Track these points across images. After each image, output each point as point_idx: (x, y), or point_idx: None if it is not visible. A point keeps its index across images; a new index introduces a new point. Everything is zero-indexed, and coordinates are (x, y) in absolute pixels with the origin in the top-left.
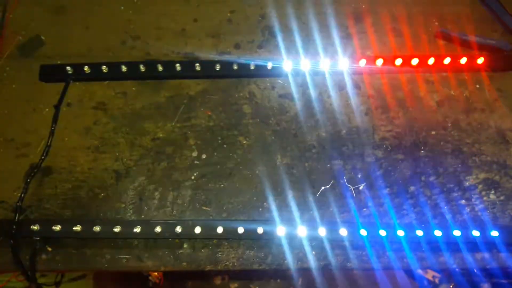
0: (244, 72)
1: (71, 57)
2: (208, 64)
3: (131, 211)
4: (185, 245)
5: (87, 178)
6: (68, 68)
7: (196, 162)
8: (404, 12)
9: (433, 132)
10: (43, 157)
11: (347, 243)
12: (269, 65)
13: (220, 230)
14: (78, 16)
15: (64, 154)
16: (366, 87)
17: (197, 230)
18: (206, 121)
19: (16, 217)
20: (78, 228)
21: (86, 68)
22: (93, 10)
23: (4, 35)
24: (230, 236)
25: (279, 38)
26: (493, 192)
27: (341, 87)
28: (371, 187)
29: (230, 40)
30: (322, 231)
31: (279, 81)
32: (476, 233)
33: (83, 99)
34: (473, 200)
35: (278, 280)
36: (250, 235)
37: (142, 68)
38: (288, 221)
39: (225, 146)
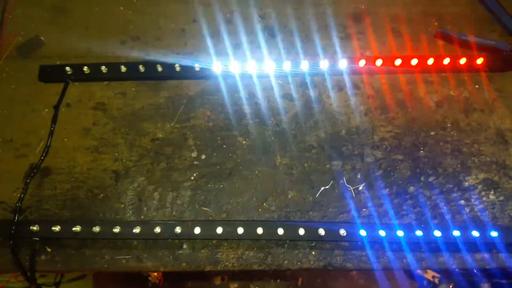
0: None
1: (71, 58)
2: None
3: (130, 211)
4: (184, 246)
5: (87, 179)
6: (68, 68)
7: (195, 162)
8: (404, 13)
9: (432, 133)
10: (42, 158)
11: (346, 244)
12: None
13: (219, 230)
14: (78, 16)
15: (63, 154)
16: (365, 88)
17: (197, 230)
18: (206, 122)
19: (16, 218)
20: (77, 228)
21: (85, 68)
22: (92, 10)
23: (3, 35)
24: (230, 236)
25: (279, 38)
26: (492, 192)
27: (340, 88)
28: (371, 187)
29: (230, 40)
30: (321, 232)
31: (279, 81)
32: (475, 233)
33: (83, 99)
34: (472, 200)
35: (278, 280)
36: (250, 235)
37: (141, 68)
38: (288, 221)
39: (224, 146)
